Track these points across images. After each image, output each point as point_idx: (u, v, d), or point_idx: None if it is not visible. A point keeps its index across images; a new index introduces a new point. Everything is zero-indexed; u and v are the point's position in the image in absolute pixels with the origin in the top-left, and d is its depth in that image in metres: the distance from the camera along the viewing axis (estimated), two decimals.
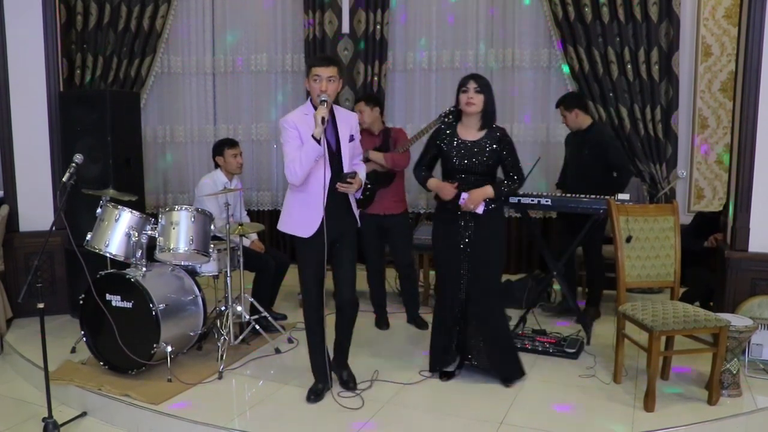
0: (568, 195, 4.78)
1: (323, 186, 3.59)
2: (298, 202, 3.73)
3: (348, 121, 3.79)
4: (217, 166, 5.23)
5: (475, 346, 4.08)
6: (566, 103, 5.28)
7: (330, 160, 3.65)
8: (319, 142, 3.52)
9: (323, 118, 3.51)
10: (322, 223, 3.62)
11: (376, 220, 4.96)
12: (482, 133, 3.92)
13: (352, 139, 3.77)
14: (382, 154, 4.86)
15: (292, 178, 3.63)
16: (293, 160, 3.59)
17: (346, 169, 3.70)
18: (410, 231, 5.37)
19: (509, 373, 4.07)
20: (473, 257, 3.91)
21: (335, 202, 3.67)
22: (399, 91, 6.91)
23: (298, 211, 3.72)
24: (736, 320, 3.87)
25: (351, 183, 3.64)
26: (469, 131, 3.94)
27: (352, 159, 3.82)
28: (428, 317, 5.00)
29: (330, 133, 3.70)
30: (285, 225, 3.81)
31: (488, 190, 3.85)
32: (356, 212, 3.85)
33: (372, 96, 5.20)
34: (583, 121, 5.25)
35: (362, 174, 3.84)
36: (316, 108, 3.59)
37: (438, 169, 4.12)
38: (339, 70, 3.67)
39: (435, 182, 3.93)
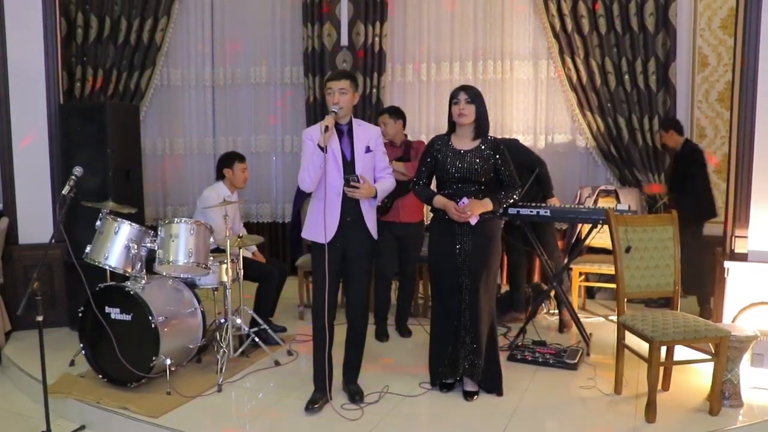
0: (567, 205, 4.80)
1: (337, 194, 3.72)
2: (315, 209, 3.82)
3: (366, 134, 3.86)
4: (220, 177, 5.23)
5: (469, 356, 4.05)
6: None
7: (344, 170, 3.74)
8: (323, 150, 3.61)
9: (326, 127, 3.62)
10: (337, 231, 3.72)
11: (390, 227, 4.98)
12: (476, 143, 3.93)
13: (368, 150, 3.82)
14: (403, 164, 4.91)
15: (301, 184, 3.79)
16: (304, 169, 3.73)
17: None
18: (422, 241, 5.36)
19: (489, 386, 4.06)
20: (470, 267, 3.90)
21: (348, 212, 3.75)
22: (397, 103, 6.90)
23: (315, 218, 3.78)
24: (737, 330, 3.87)
25: (357, 187, 3.66)
26: (463, 141, 3.95)
27: (370, 171, 3.85)
28: (422, 328, 5.05)
29: (345, 144, 3.80)
30: (305, 231, 3.92)
31: (488, 204, 3.85)
32: (371, 225, 3.85)
33: (396, 109, 5.24)
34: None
35: (385, 187, 3.87)
36: None
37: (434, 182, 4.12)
38: (351, 82, 3.82)
39: (442, 200, 3.90)
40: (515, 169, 4.68)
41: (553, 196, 5.23)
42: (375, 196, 3.80)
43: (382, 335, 5.17)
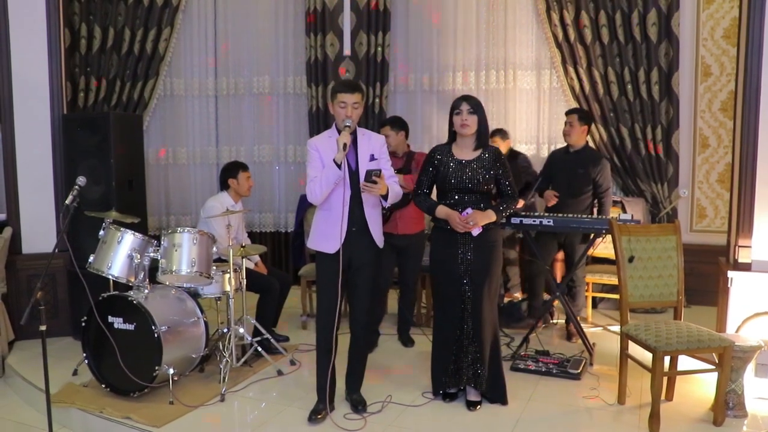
0: (570, 215, 4.80)
1: (344, 204, 3.68)
2: (322, 219, 3.81)
3: (370, 143, 3.84)
4: (224, 188, 5.23)
5: (472, 365, 4.04)
6: (582, 115, 5.33)
7: (350, 180, 3.73)
8: (339, 166, 3.60)
9: (345, 144, 3.60)
10: (343, 240, 3.68)
11: (389, 238, 4.93)
12: (477, 153, 3.94)
13: (372, 158, 3.80)
14: (402, 176, 4.86)
15: (311, 197, 3.74)
16: (312, 180, 3.70)
17: (363, 189, 3.70)
18: (423, 251, 5.34)
19: (493, 395, 4.05)
20: (472, 276, 3.90)
21: (354, 222, 3.74)
22: (400, 113, 6.91)
23: (322, 228, 3.78)
24: (741, 340, 3.86)
25: (376, 182, 3.60)
26: (464, 151, 3.96)
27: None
28: (422, 337, 5.06)
29: (350, 154, 3.77)
30: (311, 241, 3.89)
31: (491, 215, 3.85)
32: (376, 234, 3.84)
33: (398, 120, 5.20)
34: (584, 139, 5.32)
35: (394, 190, 3.82)
36: (340, 133, 3.70)
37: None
38: (363, 96, 3.80)
39: (444, 210, 3.90)
40: (591, 185, 4.93)
41: None
42: (386, 197, 3.74)
43: (372, 344, 5.13)
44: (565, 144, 5.41)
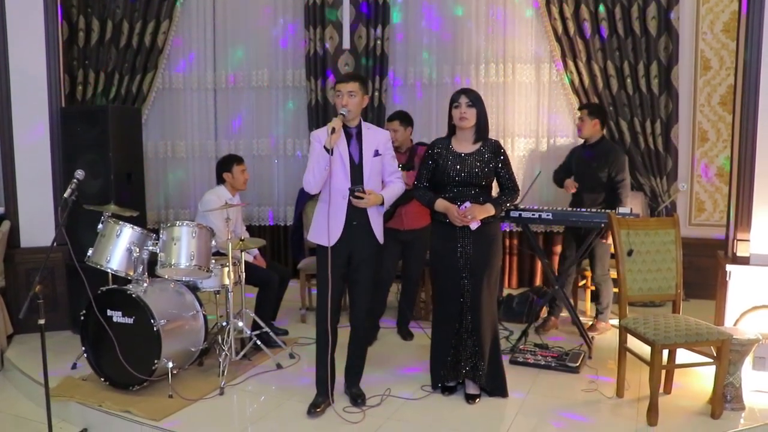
0: (570, 209, 4.80)
1: (343, 197, 3.72)
2: (322, 211, 3.82)
3: (375, 138, 3.86)
4: (221, 181, 5.23)
5: (471, 358, 4.05)
6: (592, 110, 5.30)
7: (352, 174, 3.74)
8: (330, 152, 3.61)
9: (333, 129, 3.62)
10: (343, 234, 3.72)
11: (394, 234, 4.93)
12: (477, 146, 3.93)
13: (377, 154, 3.82)
14: (405, 173, 4.81)
15: (306, 186, 3.78)
16: (309, 170, 3.73)
17: (366, 183, 3.74)
18: (428, 245, 5.32)
19: (492, 388, 4.06)
20: (472, 269, 3.91)
21: (355, 216, 3.75)
22: (399, 107, 6.89)
23: (322, 221, 3.79)
24: (739, 333, 3.87)
25: (360, 197, 3.67)
26: (464, 145, 3.95)
27: (378, 175, 3.86)
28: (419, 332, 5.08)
29: (354, 147, 3.80)
30: (311, 234, 3.91)
31: (489, 209, 3.85)
32: (378, 230, 3.86)
33: (406, 115, 5.20)
34: (597, 133, 5.26)
35: (393, 193, 3.89)
36: None
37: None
38: (361, 85, 3.80)
39: (443, 203, 3.90)
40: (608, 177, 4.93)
41: None
42: (382, 203, 3.81)
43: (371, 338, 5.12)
44: (583, 140, 5.39)
